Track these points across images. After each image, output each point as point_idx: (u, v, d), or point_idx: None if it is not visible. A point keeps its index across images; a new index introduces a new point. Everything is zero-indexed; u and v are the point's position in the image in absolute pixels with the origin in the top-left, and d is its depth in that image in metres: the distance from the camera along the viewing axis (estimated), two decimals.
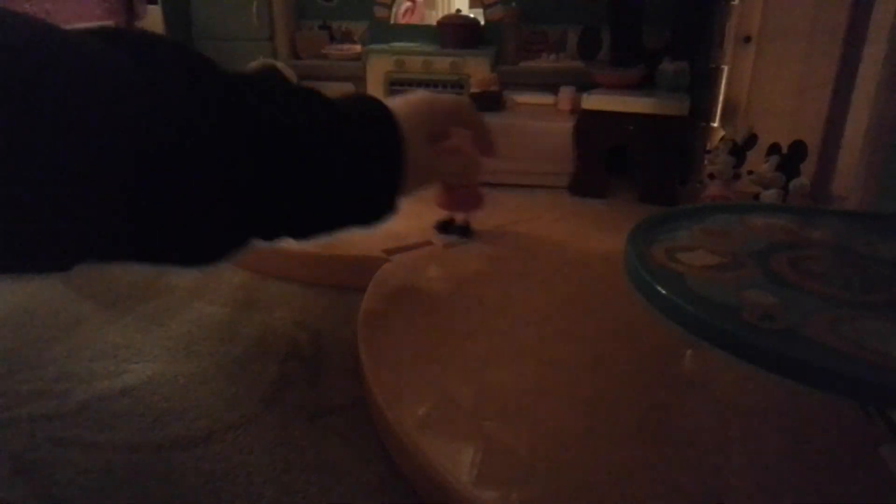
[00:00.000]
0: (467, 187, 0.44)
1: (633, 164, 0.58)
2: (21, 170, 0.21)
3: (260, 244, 0.32)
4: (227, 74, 0.29)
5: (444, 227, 0.47)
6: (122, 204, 0.24)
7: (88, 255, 0.25)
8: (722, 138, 0.53)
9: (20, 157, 0.21)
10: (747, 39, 0.54)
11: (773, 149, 0.50)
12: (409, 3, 0.86)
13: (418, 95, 0.39)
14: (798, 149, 0.49)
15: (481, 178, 0.44)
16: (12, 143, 0.20)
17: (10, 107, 0.20)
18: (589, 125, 0.55)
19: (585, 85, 0.57)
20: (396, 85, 0.65)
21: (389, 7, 0.68)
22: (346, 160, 0.33)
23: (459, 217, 0.47)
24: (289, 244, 0.34)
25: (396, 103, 0.37)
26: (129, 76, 0.24)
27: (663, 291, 0.24)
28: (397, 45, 0.66)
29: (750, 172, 0.51)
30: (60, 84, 0.21)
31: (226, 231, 0.29)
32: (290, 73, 0.62)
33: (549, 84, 0.63)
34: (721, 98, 0.57)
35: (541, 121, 0.57)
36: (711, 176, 0.52)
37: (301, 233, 0.34)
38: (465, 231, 0.47)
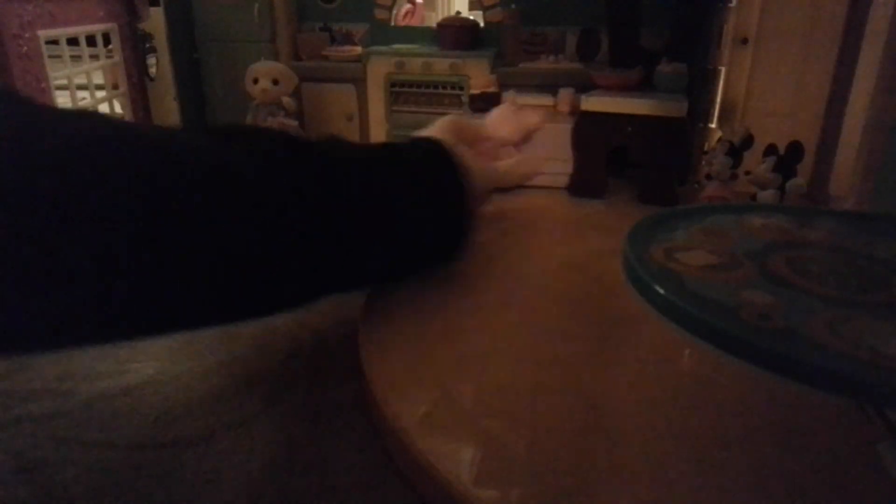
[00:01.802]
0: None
1: (631, 165, 0.58)
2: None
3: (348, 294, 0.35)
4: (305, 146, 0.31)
5: None
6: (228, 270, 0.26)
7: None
8: (719, 139, 0.53)
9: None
10: (744, 41, 0.54)
11: (770, 150, 0.50)
12: (409, 6, 0.87)
13: (447, 119, 0.43)
14: (795, 150, 0.49)
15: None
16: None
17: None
18: (588, 126, 0.55)
19: (584, 86, 0.57)
20: (396, 86, 0.65)
21: (390, 9, 0.68)
22: (421, 208, 0.35)
23: None
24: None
25: (439, 132, 0.41)
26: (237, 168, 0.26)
27: (662, 291, 0.24)
28: (397, 46, 0.66)
29: (747, 173, 0.51)
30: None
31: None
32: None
33: (548, 85, 0.63)
34: (718, 99, 0.57)
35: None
36: (709, 176, 0.52)
37: (392, 276, 0.37)
38: None
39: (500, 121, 0.49)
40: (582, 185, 0.57)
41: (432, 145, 0.38)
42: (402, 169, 0.35)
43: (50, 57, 0.48)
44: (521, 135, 0.50)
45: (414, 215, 0.35)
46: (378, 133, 0.66)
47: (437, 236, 0.37)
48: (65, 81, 0.51)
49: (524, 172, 0.47)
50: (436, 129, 0.42)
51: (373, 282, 0.37)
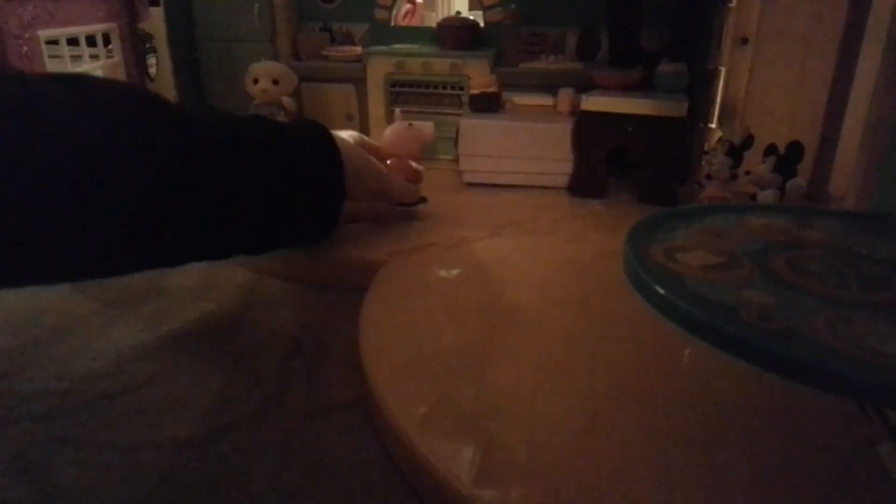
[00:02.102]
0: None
1: (631, 165, 0.58)
2: None
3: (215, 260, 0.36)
4: (175, 108, 0.31)
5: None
6: (61, 220, 0.26)
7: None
8: (719, 139, 0.53)
9: None
10: (745, 41, 0.54)
11: (770, 150, 0.50)
12: (409, 6, 0.87)
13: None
14: (795, 150, 0.49)
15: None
16: None
17: None
18: (588, 126, 0.55)
19: (584, 86, 0.57)
20: (397, 86, 0.65)
21: (390, 9, 0.68)
22: (291, 170, 0.36)
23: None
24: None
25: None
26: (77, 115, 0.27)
27: (662, 291, 0.24)
28: (397, 46, 0.66)
29: (747, 173, 0.51)
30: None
31: (158, 246, 0.31)
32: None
33: (548, 85, 0.63)
34: (718, 99, 0.57)
35: (540, 122, 0.57)
36: (709, 177, 0.52)
37: (254, 246, 0.37)
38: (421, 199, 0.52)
39: (393, 139, 0.51)
40: (582, 185, 0.57)
41: (314, 125, 0.40)
42: (278, 138, 0.37)
43: (50, 57, 0.48)
44: (415, 150, 0.52)
45: (284, 186, 0.36)
46: (378, 133, 0.66)
47: (309, 209, 0.39)
48: None
49: (402, 192, 0.49)
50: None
51: (236, 249, 0.37)
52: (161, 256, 0.32)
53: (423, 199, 0.52)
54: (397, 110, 0.52)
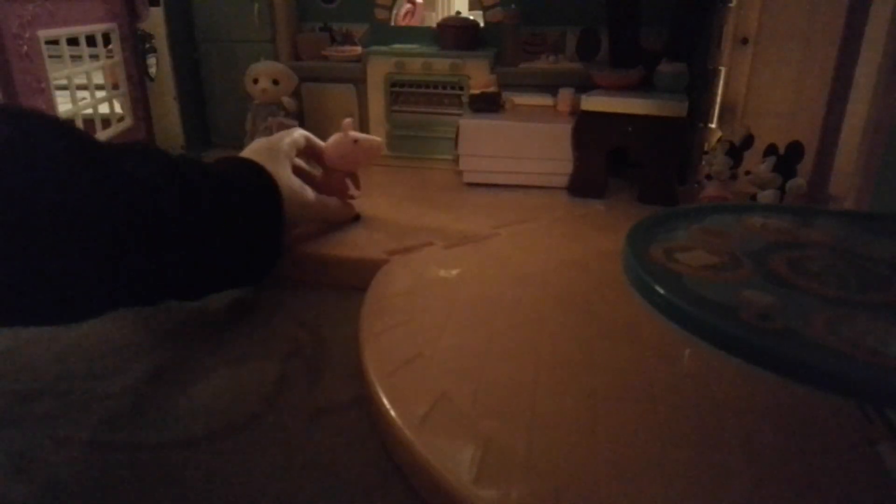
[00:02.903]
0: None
1: (631, 165, 0.58)
2: None
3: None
4: (103, 147, 0.30)
5: None
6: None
7: None
8: (719, 139, 0.53)
9: None
10: (745, 41, 0.54)
11: (770, 149, 0.50)
12: (409, 6, 0.87)
13: (256, 143, 0.44)
14: (795, 149, 0.49)
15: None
16: None
17: None
18: (588, 126, 0.55)
19: (584, 86, 0.57)
20: (397, 86, 0.65)
21: (390, 9, 0.68)
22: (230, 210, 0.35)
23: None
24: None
25: (252, 154, 0.42)
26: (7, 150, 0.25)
27: (662, 291, 0.24)
28: (397, 46, 0.66)
29: (747, 173, 0.51)
30: None
31: (95, 293, 0.30)
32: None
33: (548, 85, 0.63)
34: (718, 99, 0.57)
35: (540, 122, 0.57)
36: (709, 176, 0.52)
37: (190, 291, 0.36)
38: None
39: (336, 155, 0.48)
40: (582, 184, 0.57)
41: (250, 167, 0.40)
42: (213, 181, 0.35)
43: (50, 57, 0.48)
44: (356, 167, 0.50)
45: (227, 234, 0.35)
46: (378, 133, 0.66)
47: (248, 253, 0.38)
48: (65, 81, 0.51)
49: (336, 214, 0.48)
50: (254, 150, 0.43)
51: (175, 292, 0.36)
52: (89, 306, 0.30)
53: (357, 217, 0.50)
54: (347, 119, 0.48)
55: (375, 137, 0.50)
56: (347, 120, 0.48)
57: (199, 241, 0.33)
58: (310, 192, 0.44)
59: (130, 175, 0.30)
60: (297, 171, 0.45)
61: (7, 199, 0.24)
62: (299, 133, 0.46)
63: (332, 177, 0.48)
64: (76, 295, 0.28)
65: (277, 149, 0.43)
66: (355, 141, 0.47)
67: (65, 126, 0.29)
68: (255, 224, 0.38)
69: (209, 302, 0.41)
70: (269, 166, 0.40)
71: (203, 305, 0.41)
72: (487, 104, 0.60)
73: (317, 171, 0.49)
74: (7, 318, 0.28)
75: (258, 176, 0.39)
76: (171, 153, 0.35)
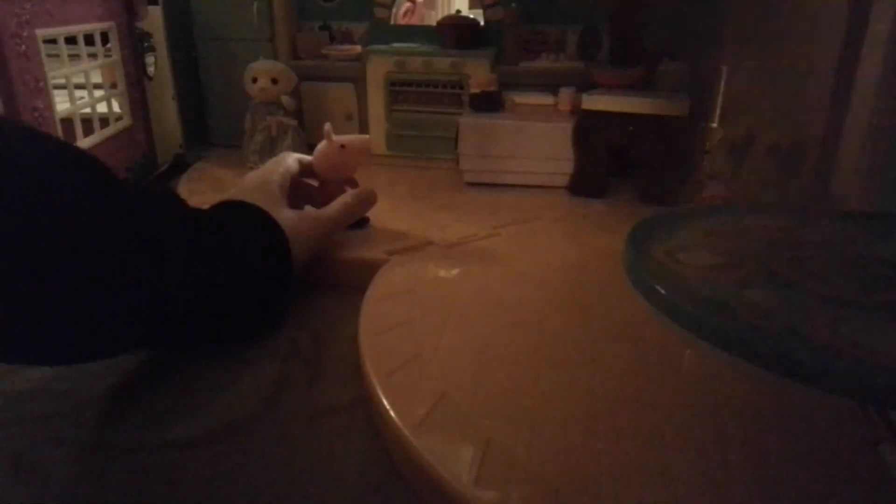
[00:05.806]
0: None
1: (633, 164, 0.58)
2: None
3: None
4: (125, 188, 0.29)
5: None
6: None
7: None
8: (721, 138, 0.53)
9: None
10: (745, 41, 0.54)
11: (771, 149, 0.50)
12: (409, 4, 0.87)
13: (249, 180, 0.43)
14: (795, 149, 0.49)
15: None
16: None
17: None
18: (589, 125, 0.55)
19: (585, 85, 0.57)
20: (396, 85, 0.65)
21: (389, 8, 0.68)
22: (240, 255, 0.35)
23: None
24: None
25: (246, 195, 0.40)
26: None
27: (663, 291, 0.24)
28: (397, 45, 0.66)
29: (749, 173, 0.51)
30: None
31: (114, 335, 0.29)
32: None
33: (548, 84, 0.63)
34: (720, 98, 0.57)
35: (541, 121, 0.57)
36: (710, 176, 0.52)
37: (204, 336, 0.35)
38: (361, 222, 0.48)
39: (325, 164, 0.46)
40: (582, 184, 0.57)
41: (256, 216, 0.38)
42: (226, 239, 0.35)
43: (48, 56, 0.48)
44: (349, 172, 0.48)
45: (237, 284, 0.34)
46: (378, 132, 0.66)
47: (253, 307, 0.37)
48: (63, 81, 0.51)
49: (358, 204, 0.45)
50: (247, 190, 0.41)
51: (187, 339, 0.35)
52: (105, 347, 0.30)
53: (366, 220, 0.48)
54: (327, 125, 0.46)
55: (360, 136, 0.49)
56: (327, 126, 0.46)
57: (207, 296, 0.33)
58: (310, 221, 0.42)
59: (150, 223, 0.29)
60: (306, 188, 0.45)
61: (27, 235, 0.24)
62: (291, 159, 0.45)
63: (330, 187, 0.47)
64: (89, 335, 0.28)
65: (271, 184, 0.41)
66: (342, 146, 0.46)
67: (87, 158, 0.28)
68: (264, 278, 0.37)
69: None
70: (267, 208, 0.39)
71: None
72: (488, 103, 0.60)
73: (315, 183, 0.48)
74: (20, 357, 0.28)
75: (265, 230, 0.38)
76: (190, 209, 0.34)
